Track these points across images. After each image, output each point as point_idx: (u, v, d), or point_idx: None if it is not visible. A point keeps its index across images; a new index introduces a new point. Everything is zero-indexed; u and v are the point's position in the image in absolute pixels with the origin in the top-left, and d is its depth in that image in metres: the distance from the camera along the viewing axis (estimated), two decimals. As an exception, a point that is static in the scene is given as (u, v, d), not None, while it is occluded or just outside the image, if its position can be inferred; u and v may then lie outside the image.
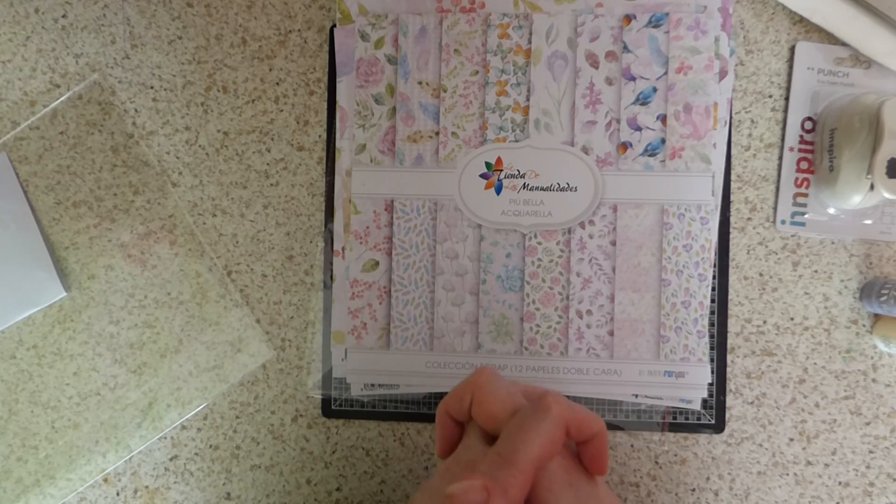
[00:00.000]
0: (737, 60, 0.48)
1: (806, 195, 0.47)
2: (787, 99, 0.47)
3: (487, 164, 0.47)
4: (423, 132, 0.47)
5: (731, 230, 0.47)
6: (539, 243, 0.47)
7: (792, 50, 0.47)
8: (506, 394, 0.32)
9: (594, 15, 0.46)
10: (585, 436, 0.32)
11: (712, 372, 0.46)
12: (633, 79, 0.46)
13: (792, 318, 0.47)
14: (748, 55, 0.48)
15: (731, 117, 0.47)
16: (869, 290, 0.46)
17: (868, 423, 0.47)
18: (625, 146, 0.46)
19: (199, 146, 0.49)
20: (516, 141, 0.47)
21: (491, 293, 0.47)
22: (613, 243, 0.46)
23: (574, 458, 0.33)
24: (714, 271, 0.46)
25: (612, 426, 0.47)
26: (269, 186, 0.49)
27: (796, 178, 0.47)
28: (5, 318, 0.48)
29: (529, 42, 0.47)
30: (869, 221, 0.47)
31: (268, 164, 0.49)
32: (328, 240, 0.48)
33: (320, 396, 0.48)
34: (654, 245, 0.46)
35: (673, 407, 0.47)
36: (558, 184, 0.46)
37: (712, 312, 0.47)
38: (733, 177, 0.48)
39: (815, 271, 0.47)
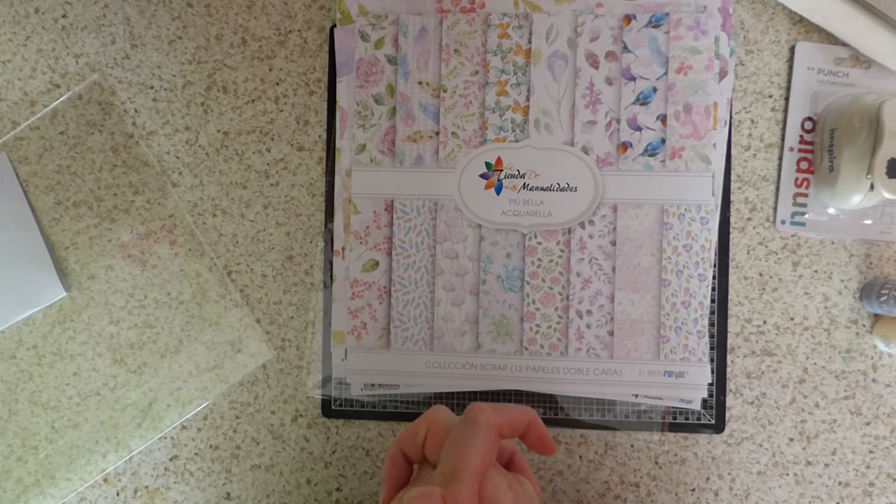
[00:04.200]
0: (737, 60, 0.48)
1: (806, 195, 0.47)
2: (787, 99, 0.47)
3: (487, 164, 0.47)
4: (423, 132, 0.47)
5: (731, 230, 0.47)
6: (539, 243, 0.47)
7: (792, 50, 0.47)
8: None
9: (594, 15, 0.46)
10: (520, 430, 0.34)
11: (712, 372, 0.46)
12: (633, 79, 0.46)
13: (792, 318, 0.47)
14: (748, 55, 0.48)
15: (731, 117, 0.47)
16: (869, 290, 0.46)
17: (868, 423, 0.47)
18: (625, 146, 0.46)
19: (199, 146, 0.49)
20: (516, 141, 0.47)
21: (491, 293, 0.47)
22: (613, 243, 0.46)
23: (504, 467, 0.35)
24: (714, 271, 0.46)
25: (613, 426, 0.47)
26: (269, 186, 0.49)
27: (796, 178, 0.47)
28: (5, 318, 0.48)
29: (529, 42, 0.47)
30: (869, 221, 0.47)
31: (268, 164, 0.49)
32: (328, 240, 0.48)
33: (320, 396, 0.48)
34: (654, 245, 0.46)
35: (673, 407, 0.47)
36: (558, 184, 0.46)
37: (712, 312, 0.47)
38: (733, 177, 0.48)
39: (815, 271, 0.47)
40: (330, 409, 0.48)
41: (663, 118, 0.46)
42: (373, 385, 0.48)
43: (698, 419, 0.47)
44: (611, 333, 0.46)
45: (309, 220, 0.49)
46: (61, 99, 0.49)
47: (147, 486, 0.49)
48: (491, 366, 0.47)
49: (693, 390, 0.46)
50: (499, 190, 0.47)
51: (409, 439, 0.34)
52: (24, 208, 0.49)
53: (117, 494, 0.49)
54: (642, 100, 0.46)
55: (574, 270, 0.46)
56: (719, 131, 0.46)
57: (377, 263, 0.47)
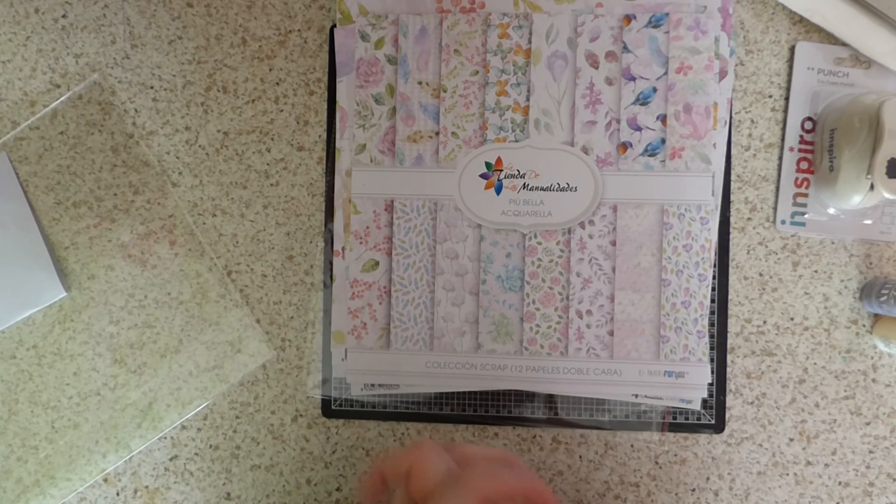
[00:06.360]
0: (737, 60, 0.48)
1: (806, 195, 0.47)
2: (787, 99, 0.47)
3: (487, 164, 0.47)
4: (423, 132, 0.47)
5: (731, 230, 0.47)
6: (539, 243, 0.47)
7: (792, 50, 0.47)
8: (444, 471, 0.32)
9: (594, 15, 0.46)
10: (520, 500, 0.32)
11: (712, 372, 0.46)
12: (633, 79, 0.46)
13: (792, 318, 0.47)
14: (748, 55, 0.48)
15: (731, 117, 0.47)
16: (869, 290, 0.46)
17: (868, 423, 0.47)
18: (625, 146, 0.46)
19: (199, 146, 0.49)
20: (516, 141, 0.47)
21: (491, 293, 0.47)
22: (613, 243, 0.46)
23: None
24: (714, 271, 0.46)
25: (613, 426, 0.47)
26: (269, 186, 0.49)
27: (796, 178, 0.47)
28: (5, 318, 0.48)
29: (529, 42, 0.47)
30: (869, 221, 0.47)
31: (268, 164, 0.49)
32: (328, 240, 0.48)
33: (320, 396, 0.48)
34: (654, 245, 0.46)
35: (673, 407, 0.47)
36: (558, 184, 0.46)
37: (712, 312, 0.47)
38: (733, 177, 0.48)
39: (815, 271, 0.47)
40: (330, 409, 0.48)
41: (663, 118, 0.46)
42: (373, 385, 0.48)
43: (698, 419, 0.47)
44: (611, 333, 0.46)
45: (309, 220, 0.49)
46: (61, 99, 0.49)
47: (147, 486, 0.49)
48: (491, 366, 0.47)
49: (693, 390, 0.46)
50: (499, 190, 0.47)
51: (392, 469, 0.33)
52: (24, 208, 0.49)
53: (117, 494, 0.49)
54: (642, 100, 0.46)
55: (574, 270, 0.46)
56: (719, 131, 0.46)
57: (377, 263, 0.47)
